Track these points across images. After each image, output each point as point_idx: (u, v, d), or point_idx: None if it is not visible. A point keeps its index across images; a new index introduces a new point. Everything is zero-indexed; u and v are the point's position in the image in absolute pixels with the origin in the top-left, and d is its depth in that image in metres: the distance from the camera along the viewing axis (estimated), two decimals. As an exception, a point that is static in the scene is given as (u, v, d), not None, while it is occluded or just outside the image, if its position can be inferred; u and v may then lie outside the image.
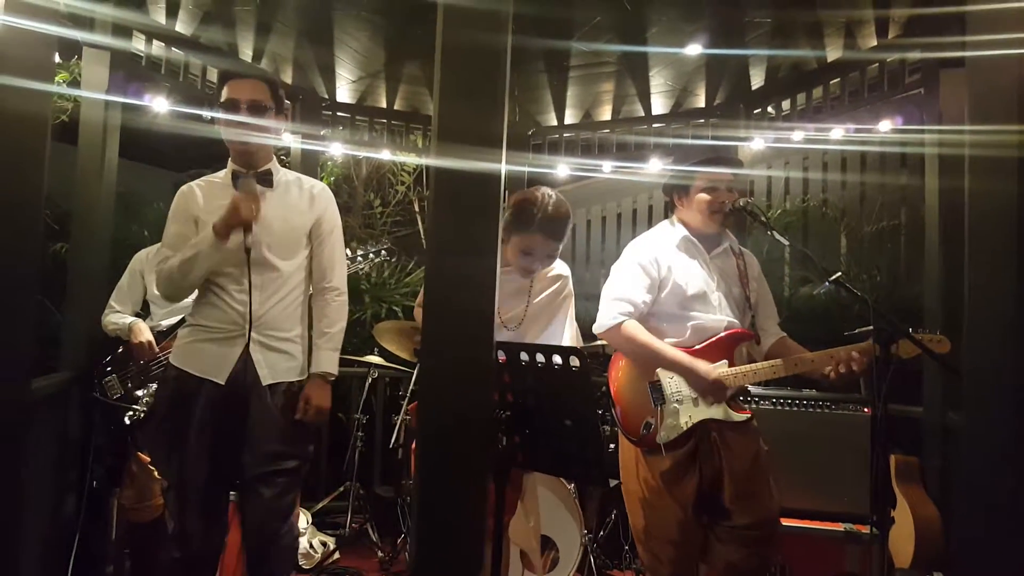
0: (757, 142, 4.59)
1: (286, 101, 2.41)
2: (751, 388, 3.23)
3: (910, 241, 4.64)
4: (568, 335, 2.46)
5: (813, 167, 5.57)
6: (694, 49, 3.70)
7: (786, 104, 4.28)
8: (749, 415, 2.23)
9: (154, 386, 2.88)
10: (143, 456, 2.86)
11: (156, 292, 3.02)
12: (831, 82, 3.97)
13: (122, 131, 3.39)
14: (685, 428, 2.19)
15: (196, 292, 2.31)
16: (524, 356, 1.63)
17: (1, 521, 2.00)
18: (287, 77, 4.37)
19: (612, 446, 3.18)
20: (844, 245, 5.11)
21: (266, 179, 2.30)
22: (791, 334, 2.44)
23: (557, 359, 1.57)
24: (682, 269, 2.30)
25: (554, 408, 1.61)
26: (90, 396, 2.95)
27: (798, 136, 4.33)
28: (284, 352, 2.26)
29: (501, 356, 1.72)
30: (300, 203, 2.35)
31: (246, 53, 4.02)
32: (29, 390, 2.09)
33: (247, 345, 2.19)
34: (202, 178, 2.39)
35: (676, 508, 2.18)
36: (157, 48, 3.71)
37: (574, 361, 1.53)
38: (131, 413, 2.88)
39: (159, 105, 3.86)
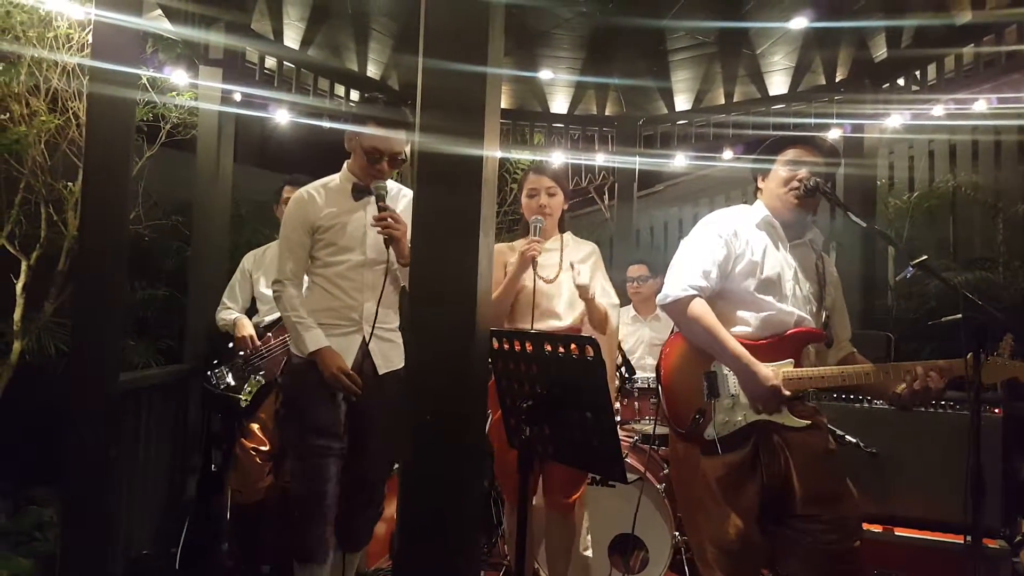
0: (893, 119, 4.15)
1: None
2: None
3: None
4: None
5: (957, 146, 4.89)
6: (799, 23, 3.37)
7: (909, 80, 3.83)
8: (809, 422, 2.00)
9: (256, 377, 3.07)
10: (246, 442, 3.04)
11: (263, 290, 3.25)
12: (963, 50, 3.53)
13: (237, 138, 3.64)
14: (737, 428, 1.99)
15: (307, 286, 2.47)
16: (546, 347, 1.54)
17: (94, 498, 2.18)
18: (394, 84, 4.50)
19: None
20: (1001, 231, 4.46)
21: (385, 190, 2.40)
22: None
23: (573, 348, 1.47)
24: (760, 247, 2.08)
25: (570, 399, 1.51)
26: (202, 386, 3.19)
27: (938, 111, 3.85)
28: (392, 342, 2.47)
29: (528, 345, 1.67)
30: (405, 210, 2.46)
31: (351, 60, 4.19)
32: (117, 382, 2.27)
33: (363, 338, 2.38)
34: (318, 182, 2.48)
35: (735, 517, 1.97)
36: (270, 61, 3.97)
37: (588, 351, 1.43)
38: (236, 402, 3.07)
39: (280, 116, 4.08)
